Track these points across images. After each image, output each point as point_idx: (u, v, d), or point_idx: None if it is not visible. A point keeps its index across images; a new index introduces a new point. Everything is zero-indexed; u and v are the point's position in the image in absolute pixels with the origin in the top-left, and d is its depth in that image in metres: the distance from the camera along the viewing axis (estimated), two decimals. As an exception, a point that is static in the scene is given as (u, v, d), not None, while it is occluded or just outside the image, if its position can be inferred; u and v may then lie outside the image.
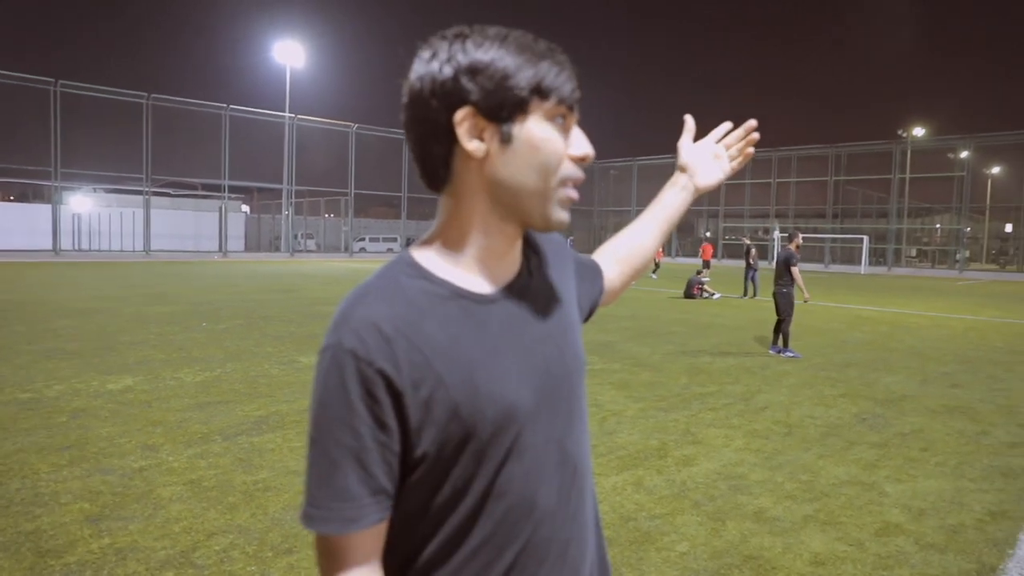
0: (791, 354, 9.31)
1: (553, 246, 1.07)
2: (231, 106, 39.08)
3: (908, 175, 45.26)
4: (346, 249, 46.29)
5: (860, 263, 42.09)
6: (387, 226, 53.47)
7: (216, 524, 3.60)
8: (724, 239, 47.83)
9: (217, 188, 40.22)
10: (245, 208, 51.63)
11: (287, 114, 41.75)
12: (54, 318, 11.07)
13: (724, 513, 3.94)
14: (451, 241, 0.92)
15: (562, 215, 0.90)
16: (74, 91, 33.96)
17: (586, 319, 1.18)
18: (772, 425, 5.83)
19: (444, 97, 0.84)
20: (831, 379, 7.90)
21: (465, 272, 0.91)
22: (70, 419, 5.39)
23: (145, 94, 36.06)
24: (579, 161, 0.89)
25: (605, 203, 59.07)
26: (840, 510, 4.04)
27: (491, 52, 0.84)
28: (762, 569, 3.31)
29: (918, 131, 49.16)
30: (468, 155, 0.86)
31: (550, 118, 0.86)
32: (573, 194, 0.90)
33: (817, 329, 11.99)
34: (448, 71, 0.84)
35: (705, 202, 53.45)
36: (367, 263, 36.14)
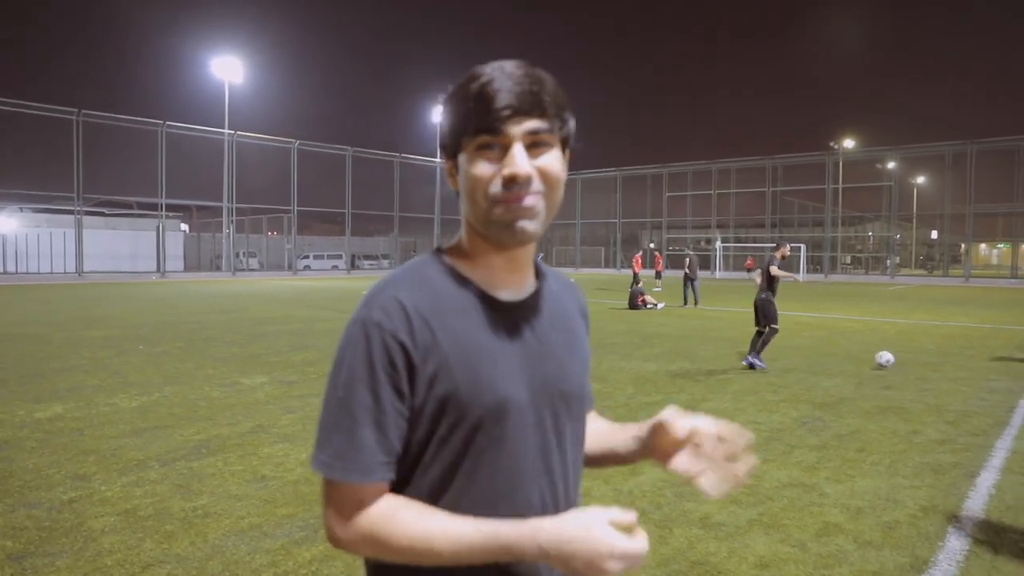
0: (759, 363, 9.06)
1: (568, 290, 1.18)
2: (167, 122, 38.08)
3: (841, 185, 46.99)
4: (290, 267, 45.46)
5: (799, 271, 43.45)
6: (332, 243, 52.79)
7: (152, 555, 3.46)
8: (668, 250, 48.68)
9: (154, 207, 39.05)
10: (184, 227, 50.23)
11: (226, 130, 40.91)
12: (-22, 345, 10.53)
13: (671, 520, 3.99)
14: (467, 249, 1.05)
15: (508, 231, 0.97)
16: (-1, 107, 32.59)
17: None
18: (716, 431, 5.93)
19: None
20: (773, 385, 8.10)
21: (485, 277, 1.03)
22: (-6, 451, 5.12)
23: (75, 110, 34.84)
24: (507, 181, 0.95)
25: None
26: (782, 512, 4.12)
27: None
28: (708, 574, 3.35)
29: (848, 143, 51.14)
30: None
31: (477, 149, 0.96)
32: (517, 206, 0.96)
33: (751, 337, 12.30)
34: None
35: (648, 213, 54.44)
36: (312, 281, 35.53)
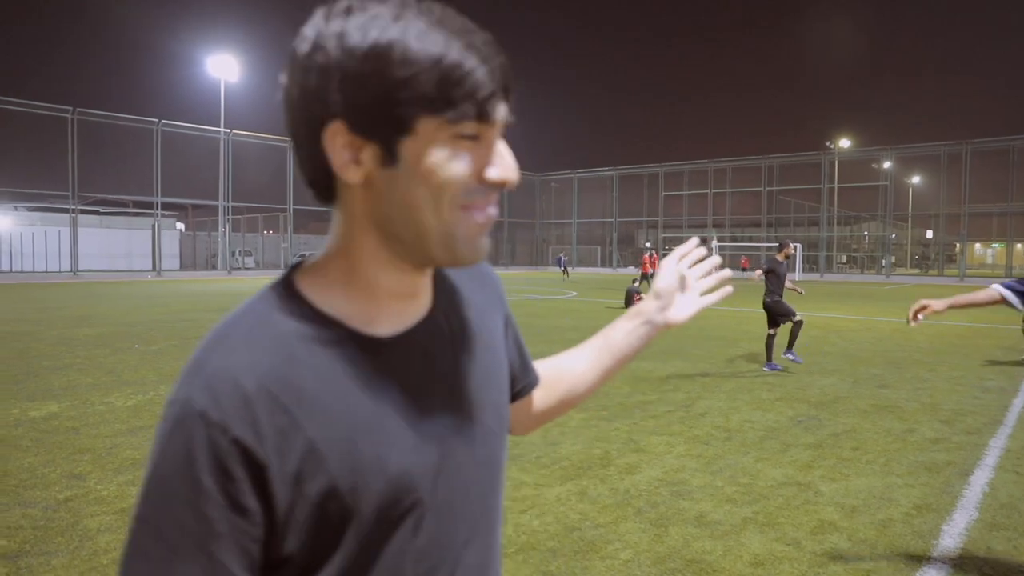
0: (795, 358, 9.00)
1: (479, 282, 0.89)
2: (163, 121, 38.00)
3: (836, 185, 47.15)
4: (286, 266, 45.41)
5: (795, 270, 43.58)
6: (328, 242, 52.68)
7: (147, 554, 3.45)
8: (664, 249, 48.76)
9: (150, 205, 38.98)
10: (180, 225, 50.16)
11: (222, 129, 40.84)
12: (-28, 344, 10.50)
13: (666, 519, 4.00)
14: (342, 270, 0.74)
15: (474, 248, 0.71)
16: (-7, 105, 32.49)
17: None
18: (712, 431, 5.95)
19: (309, 109, 0.66)
20: (768, 383, 8.12)
21: (358, 308, 0.73)
22: (-11, 450, 5.11)
23: (70, 108, 34.75)
24: (494, 186, 0.70)
25: (547, 215, 59.61)
26: (778, 511, 4.14)
27: (370, 40, 0.63)
28: (704, 572, 3.36)
29: (844, 143, 51.30)
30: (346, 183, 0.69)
31: (449, 136, 0.66)
32: (482, 217, 0.70)
33: (755, 335, 12.33)
34: (313, 73, 0.65)
35: (645, 212, 54.50)
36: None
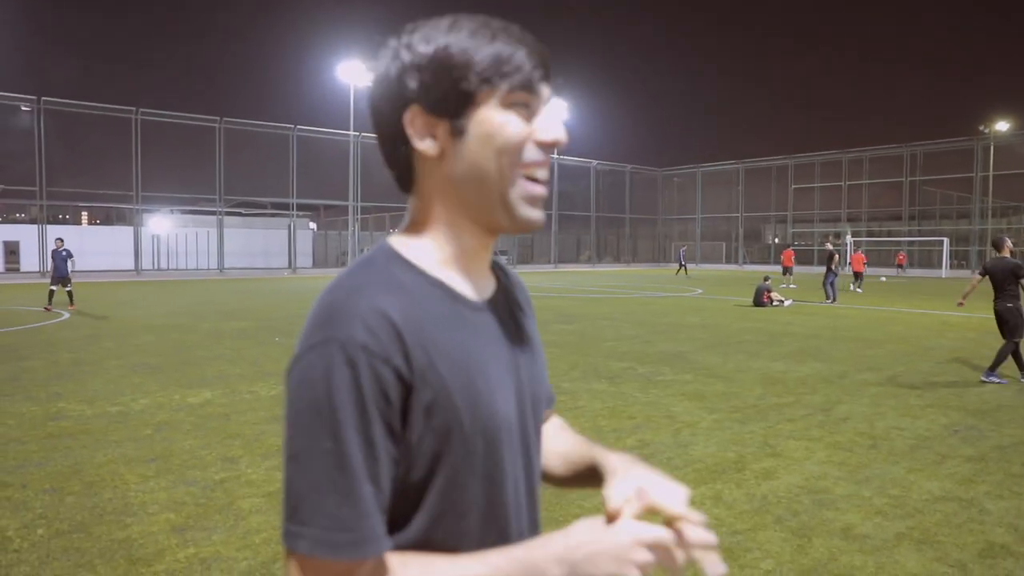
0: (996, 379, 7.85)
1: (522, 285, 1.02)
2: (298, 126, 40.33)
3: (992, 172, 43.09)
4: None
5: (939, 266, 40.25)
6: (502, 240, 54.23)
7: (295, 536, 3.65)
8: (793, 244, 46.46)
9: (286, 206, 41.51)
10: (312, 225, 53.06)
11: (352, 132, 42.78)
12: (139, 334, 11.57)
13: (809, 529, 3.77)
14: (431, 240, 0.85)
15: (530, 212, 0.82)
16: (152, 118, 35.66)
17: None
18: (855, 437, 5.58)
19: (392, 99, 0.82)
20: (916, 389, 7.52)
21: (453, 274, 0.85)
22: (155, 432, 5.59)
23: (217, 118, 37.56)
24: (547, 147, 0.82)
25: (670, 211, 58.33)
26: (936, 528, 3.81)
27: (433, 44, 0.80)
28: (855, 590, 3.14)
29: (1002, 125, 46.80)
30: (425, 155, 0.82)
31: (507, 105, 0.80)
32: (538, 190, 0.82)
33: (899, 336, 11.47)
34: (393, 71, 0.82)
35: (773, 207, 52.13)
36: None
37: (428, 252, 0.85)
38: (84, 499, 4.13)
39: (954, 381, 7.91)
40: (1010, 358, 7.92)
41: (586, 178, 52.23)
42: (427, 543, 0.78)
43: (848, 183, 48.47)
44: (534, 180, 0.82)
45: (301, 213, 45.39)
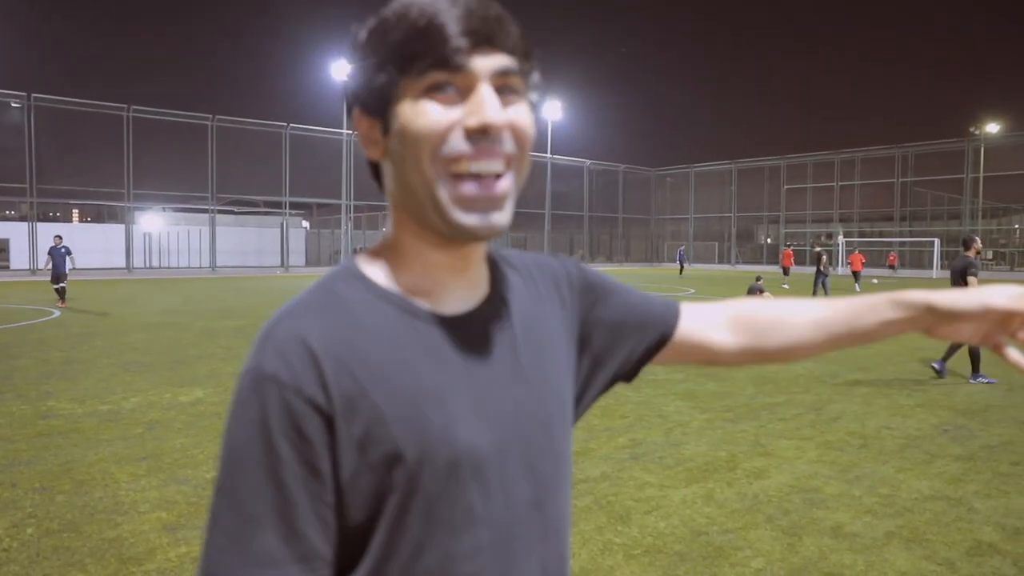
0: (984, 379, 7.91)
1: (546, 272, 0.87)
2: (291, 125, 40.23)
3: (982, 174, 43.36)
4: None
5: (930, 267, 40.49)
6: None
7: (287, 534, 3.65)
8: (785, 245, 46.64)
9: (278, 205, 41.41)
10: (305, 224, 52.95)
11: (345, 131, 42.72)
12: (130, 332, 11.53)
13: (800, 528, 3.80)
14: (396, 252, 0.76)
15: (463, 218, 0.68)
16: (145, 115, 35.52)
17: (627, 375, 0.93)
18: (846, 436, 5.61)
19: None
20: (907, 388, 7.57)
21: (419, 286, 0.75)
22: (146, 430, 5.57)
23: (210, 116, 37.44)
24: (475, 133, 0.67)
25: (663, 211, 58.45)
26: (925, 527, 3.84)
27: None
28: (844, 588, 3.17)
29: (992, 127, 47.08)
30: (376, 161, 0.76)
31: (425, 92, 0.67)
32: (466, 189, 0.68)
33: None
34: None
35: (765, 207, 52.34)
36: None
37: (393, 264, 0.76)
38: (74, 498, 4.12)
39: (943, 381, 7.97)
40: (965, 357, 8.07)
41: (579, 178, 52.32)
42: None
43: (840, 184, 48.71)
44: (465, 177, 0.68)
45: (294, 211, 45.25)
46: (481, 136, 0.67)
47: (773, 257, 47.62)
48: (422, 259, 0.75)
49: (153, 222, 39.87)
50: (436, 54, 0.66)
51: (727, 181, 53.87)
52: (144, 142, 35.56)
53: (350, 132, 42.50)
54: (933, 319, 0.90)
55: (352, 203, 43.02)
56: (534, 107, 0.74)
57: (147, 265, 38.12)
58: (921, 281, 32.98)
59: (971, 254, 8.33)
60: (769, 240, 53.10)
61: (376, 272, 0.76)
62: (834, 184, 48.92)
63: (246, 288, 24.02)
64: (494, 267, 0.83)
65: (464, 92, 0.68)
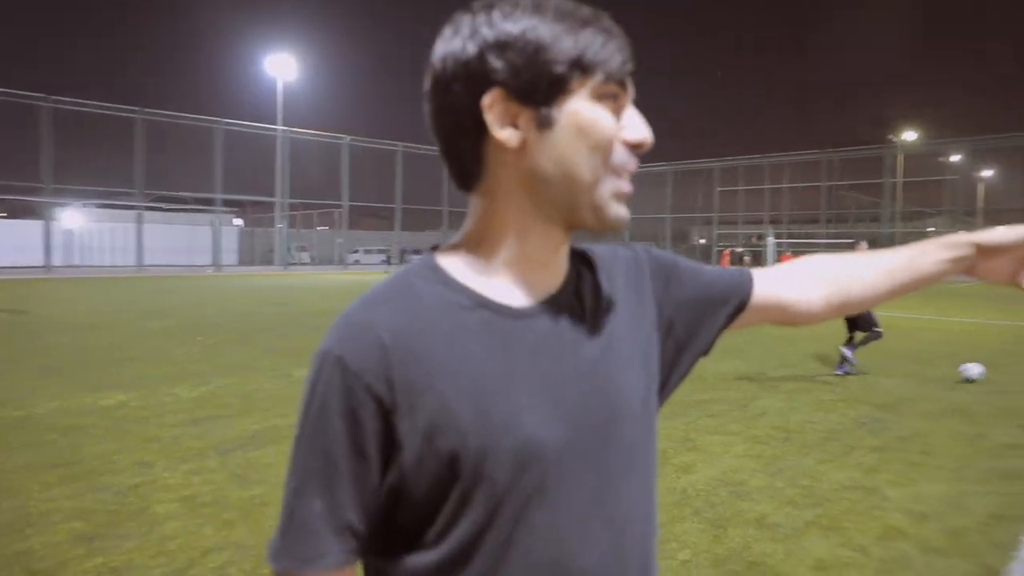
0: (850, 356, 8.33)
1: (620, 263, 0.90)
2: (224, 120, 39.12)
3: (900, 179, 45.52)
4: (340, 261, 46.24)
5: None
6: (381, 238, 53.51)
7: (212, 541, 3.55)
8: (718, 246, 47.93)
9: (210, 202, 40.20)
10: (238, 222, 51.55)
11: (279, 127, 41.80)
12: (46, 335, 11.00)
13: (725, 520, 3.91)
14: (482, 245, 0.78)
15: (619, 211, 0.75)
16: (66, 107, 33.94)
17: (707, 348, 0.97)
18: (771, 431, 5.81)
19: (469, 80, 0.72)
20: (829, 384, 7.89)
21: (495, 280, 0.78)
22: (61, 437, 5.33)
23: (138, 109, 36.07)
24: (634, 148, 0.75)
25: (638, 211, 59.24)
26: (842, 515, 4.01)
27: (522, 23, 0.71)
28: (765, 575, 3.28)
29: (909, 135, 49.44)
30: (501, 146, 0.73)
31: (598, 97, 0.72)
32: (627, 187, 0.76)
33: (814, 335, 11.99)
34: (472, 48, 0.72)
35: (699, 208, 53.63)
36: (362, 275, 36.13)
37: (472, 256, 0.79)
38: (-18, 508, 3.91)
39: (863, 376, 8.32)
40: (880, 361, 8.45)
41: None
42: (427, 566, 0.74)
43: (770, 187, 50.38)
44: (622, 177, 0.76)
45: (227, 209, 44.01)
46: (637, 149, 0.75)
47: (706, 258, 48.81)
48: (513, 253, 0.77)
49: (75, 218, 38.13)
50: (617, 67, 0.72)
51: (663, 183, 54.98)
52: (67, 134, 34.03)
53: (285, 128, 41.63)
54: (979, 255, 1.00)
55: (287, 201, 42.11)
56: None
57: (68, 263, 36.43)
58: (845, 281, 34.34)
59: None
60: (703, 241, 54.44)
61: (453, 265, 0.79)
62: (764, 187, 50.57)
63: (175, 288, 23.22)
64: (573, 261, 0.85)
65: (619, 108, 0.74)
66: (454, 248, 0.80)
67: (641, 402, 0.83)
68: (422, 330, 0.73)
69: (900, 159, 45.92)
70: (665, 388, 0.92)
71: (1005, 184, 46.38)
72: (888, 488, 4.46)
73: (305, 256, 48.27)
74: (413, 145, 47.41)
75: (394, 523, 0.74)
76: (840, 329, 8.75)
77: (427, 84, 0.77)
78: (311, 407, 0.72)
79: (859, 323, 8.42)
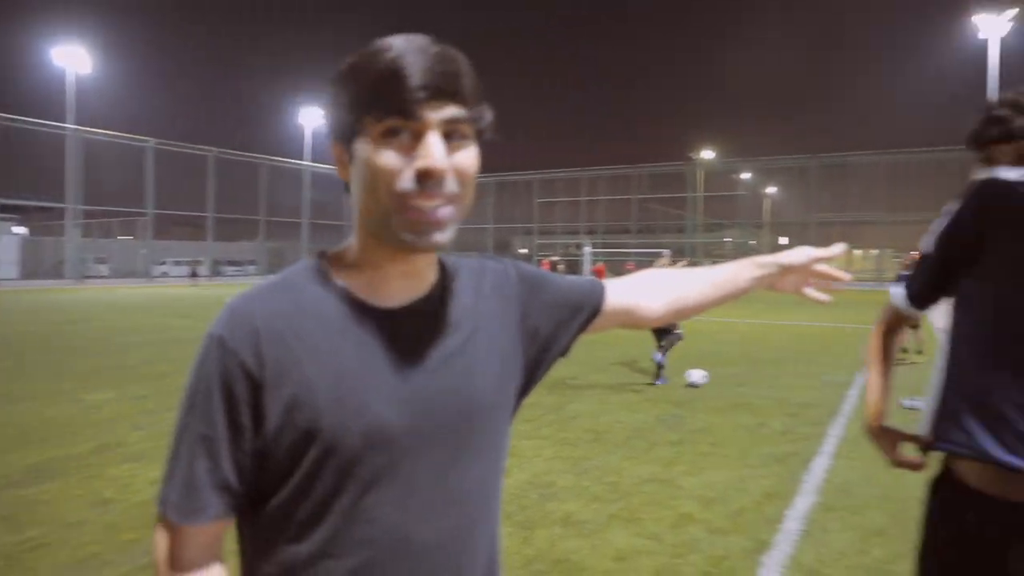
0: (662, 359, 8.67)
1: (488, 274, 1.03)
2: (5, 116, 34.61)
3: (701, 193, 49.97)
4: (145, 274, 42.52)
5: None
6: (192, 248, 49.96)
7: (-31, 595, 3.12)
8: (538, 255, 49.79)
9: (-16, 207, 35.36)
10: (21, 230, 45.77)
11: (70, 125, 37.72)
12: None
13: (534, 521, 4.06)
14: (357, 253, 0.91)
15: (415, 240, 0.82)
16: None
17: (565, 350, 1.10)
18: (581, 433, 6.12)
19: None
20: (636, 385, 8.46)
21: (365, 283, 0.90)
22: None
23: None
24: (422, 175, 0.80)
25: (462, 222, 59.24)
26: (641, 507, 4.31)
27: (338, 75, 0.85)
28: (570, 571, 3.44)
29: (708, 153, 54.42)
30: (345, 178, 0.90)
31: (381, 134, 0.81)
32: (423, 214, 0.81)
33: (622, 339, 12.81)
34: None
35: (520, 219, 55.40)
36: (170, 288, 33.48)
37: (348, 263, 0.91)
38: None
39: (668, 376, 9.00)
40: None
41: (340, 187, 51.09)
42: (305, 538, 0.85)
43: (587, 198, 53.24)
44: (417, 207, 0.81)
45: (5, 216, 38.96)
46: (427, 178, 0.81)
47: (531, 266, 50.32)
48: (374, 261, 0.89)
49: None
50: (396, 102, 0.79)
51: (487, 193, 56.21)
52: None
53: (77, 128, 37.62)
54: (781, 273, 1.28)
55: (81, 208, 38.08)
56: (485, 139, 0.90)
57: None
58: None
59: (662, 263, 9.61)
60: (524, 251, 56.27)
61: (331, 267, 0.91)
62: (581, 199, 53.36)
63: (-63, 306, 20.14)
64: (443, 271, 0.97)
65: (417, 137, 0.81)
66: (337, 254, 0.93)
67: (494, 397, 0.95)
68: (295, 319, 0.85)
69: (700, 175, 50.44)
70: (528, 385, 1.05)
71: (786, 200, 52.50)
72: (682, 478, 4.86)
73: (104, 268, 43.78)
74: (227, 151, 44.78)
75: (262, 484, 0.85)
76: (649, 337, 9.42)
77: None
78: (200, 380, 0.84)
79: (665, 329, 9.07)
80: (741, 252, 50.95)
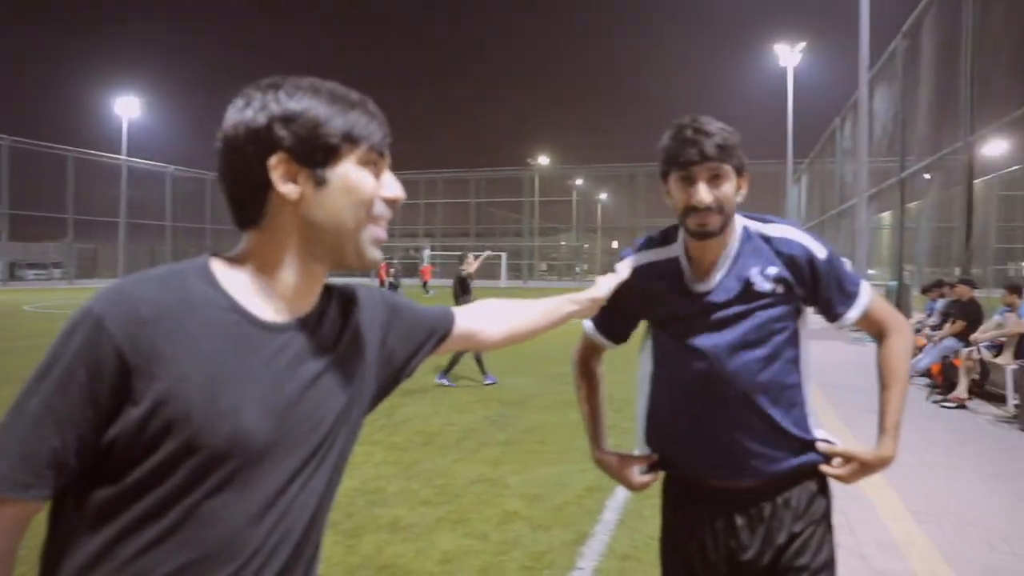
0: (447, 381, 8.73)
1: (362, 299, 1.11)
2: None
3: (537, 198, 51.59)
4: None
5: (499, 277, 46.63)
6: (54, 250, 44.41)
7: None
8: (388, 259, 49.19)
9: None
10: None
11: None
12: None
13: (360, 528, 3.99)
14: (252, 267, 0.95)
15: (375, 253, 0.98)
16: None
17: (410, 371, 1.24)
18: (413, 436, 6.10)
19: (258, 144, 0.91)
20: (467, 387, 8.57)
21: (254, 295, 0.94)
22: None
23: None
24: (391, 202, 0.99)
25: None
26: (469, 508, 4.36)
27: (303, 102, 0.92)
28: (394, 577, 3.41)
29: (544, 159, 56.28)
30: (283, 198, 0.92)
31: (363, 163, 0.95)
32: (382, 233, 0.99)
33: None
34: (262, 119, 0.91)
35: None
36: (30, 293, 29.43)
37: (243, 276, 0.95)
38: None
39: (498, 377, 9.18)
40: (475, 364, 9.09)
41: (161, 185, 47.63)
42: (143, 529, 0.85)
43: (425, 201, 53.24)
44: (379, 225, 0.98)
45: None
46: (393, 204, 1.00)
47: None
48: (277, 280, 0.95)
49: None
50: (378, 141, 0.97)
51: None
52: None
53: None
54: (594, 305, 1.67)
55: None
56: None
57: None
58: (492, 291, 37.65)
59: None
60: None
61: (223, 273, 0.94)
62: (419, 202, 53.27)
63: None
64: (326, 293, 1.05)
65: (379, 171, 0.98)
66: (229, 261, 0.96)
67: (347, 415, 1.03)
68: (180, 315, 0.87)
69: (536, 181, 52.07)
70: (375, 401, 1.14)
71: (616, 206, 55.52)
72: (510, 477, 4.98)
73: None
74: (21, 140, 40.00)
75: (103, 470, 0.85)
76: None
77: (219, 144, 0.94)
78: (64, 354, 0.83)
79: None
80: (576, 255, 53.29)
